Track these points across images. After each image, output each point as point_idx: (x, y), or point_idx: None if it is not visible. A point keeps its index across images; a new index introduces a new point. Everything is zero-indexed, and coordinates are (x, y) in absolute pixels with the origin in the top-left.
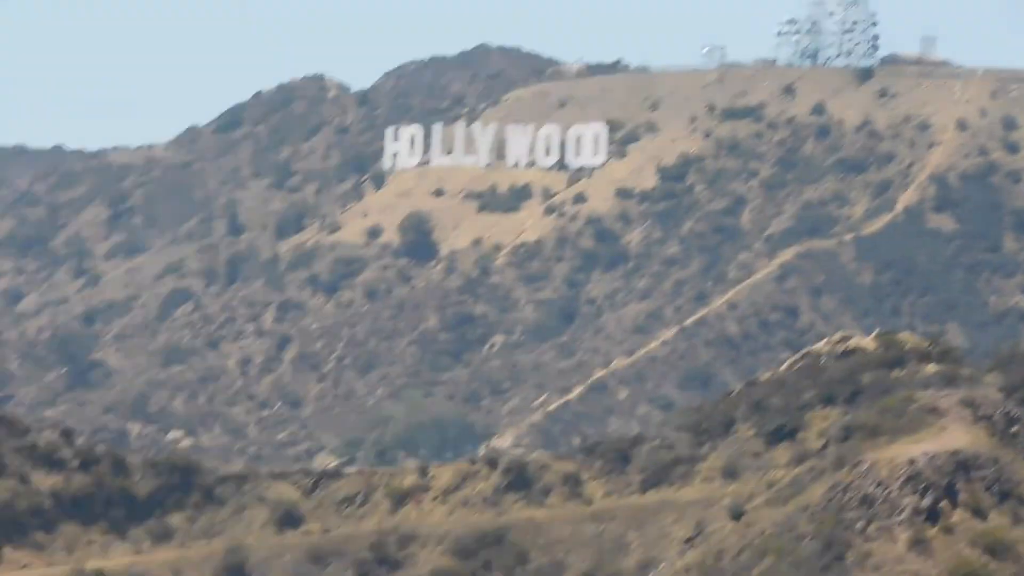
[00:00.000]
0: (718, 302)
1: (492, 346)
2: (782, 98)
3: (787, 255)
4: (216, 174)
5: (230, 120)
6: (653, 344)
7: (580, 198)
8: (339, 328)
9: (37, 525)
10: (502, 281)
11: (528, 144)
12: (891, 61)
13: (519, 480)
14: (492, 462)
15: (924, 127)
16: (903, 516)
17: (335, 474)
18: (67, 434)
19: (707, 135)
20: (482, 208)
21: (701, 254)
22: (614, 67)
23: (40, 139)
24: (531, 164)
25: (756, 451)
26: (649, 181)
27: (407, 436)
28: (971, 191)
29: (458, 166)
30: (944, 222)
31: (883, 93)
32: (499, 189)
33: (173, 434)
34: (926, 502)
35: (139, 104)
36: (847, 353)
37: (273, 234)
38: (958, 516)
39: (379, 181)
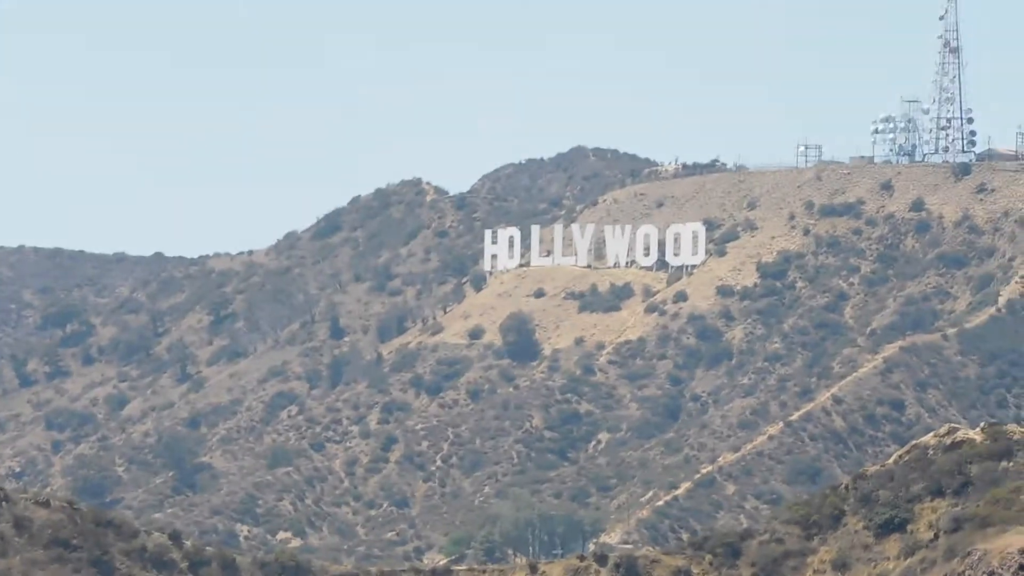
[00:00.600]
0: (823, 396)
1: (598, 443)
2: (880, 195)
3: (891, 349)
4: (316, 278)
5: (328, 225)
6: (759, 439)
7: (681, 296)
8: (444, 428)
9: None
10: (606, 379)
11: (627, 244)
12: (988, 156)
13: (630, 575)
14: (602, 558)
15: None
16: None
17: (445, 572)
18: (176, 537)
19: (806, 232)
20: (583, 308)
21: (804, 350)
22: (710, 167)
23: (141, 246)
24: (631, 263)
25: (866, 543)
26: (749, 278)
27: (515, 534)
28: None
29: (557, 267)
30: None
31: (981, 188)
32: (599, 288)
33: (281, 535)
34: None
35: (238, 210)
36: (955, 445)
37: (375, 336)
38: None
39: (479, 283)
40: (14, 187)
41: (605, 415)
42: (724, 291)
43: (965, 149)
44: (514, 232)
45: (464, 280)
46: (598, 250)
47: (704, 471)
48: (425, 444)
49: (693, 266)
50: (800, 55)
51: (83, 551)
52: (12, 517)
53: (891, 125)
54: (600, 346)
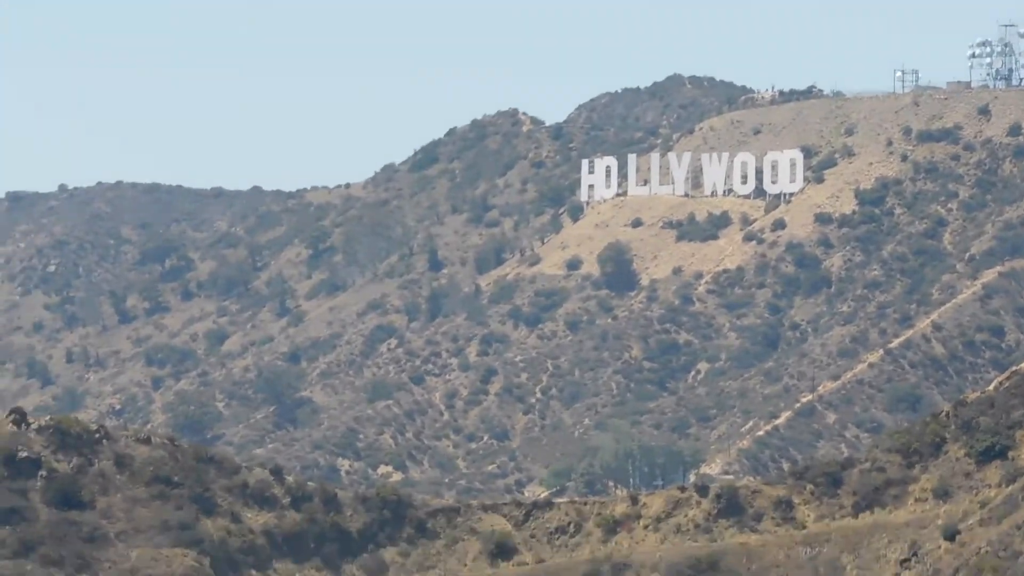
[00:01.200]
0: (923, 324)
1: (697, 373)
2: (978, 120)
3: (990, 275)
4: (413, 211)
5: (425, 157)
6: (859, 367)
7: (779, 224)
8: (543, 360)
9: (251, 563)
10: (704, 309)
11: (724, 172)
12: None
13: (731, 506)
14: (703, 489)
15: None
16: None
17: (546, 505)
18: (277, 472)
19: (904, 158)
20: (680, 237)
21: (903, 277)
22: (807, 93)
23: (238, 181)
24: (728, 192)
25: (967, 471)
26: (848, 206)
27: (615, 465)
28: None
29: (655, 196)
30: None
31: None
32: (697, 218)
33: (382, 469)
34: None
35: (335, 143)
36: None
37: (473, 269)
38: None
39: (576, 213)
40: (113, 123)
41: (704, 345)
42: (822, 218)
43: None
44: (611, 162)
45: (561, 211)
46: (695, 179)
47: (804, 400)
48: (524, 376)
49: (791, 194)
50: None
51: (184, 488)
52: (113, 455)
53: (987, 49)
54: (698, 275)
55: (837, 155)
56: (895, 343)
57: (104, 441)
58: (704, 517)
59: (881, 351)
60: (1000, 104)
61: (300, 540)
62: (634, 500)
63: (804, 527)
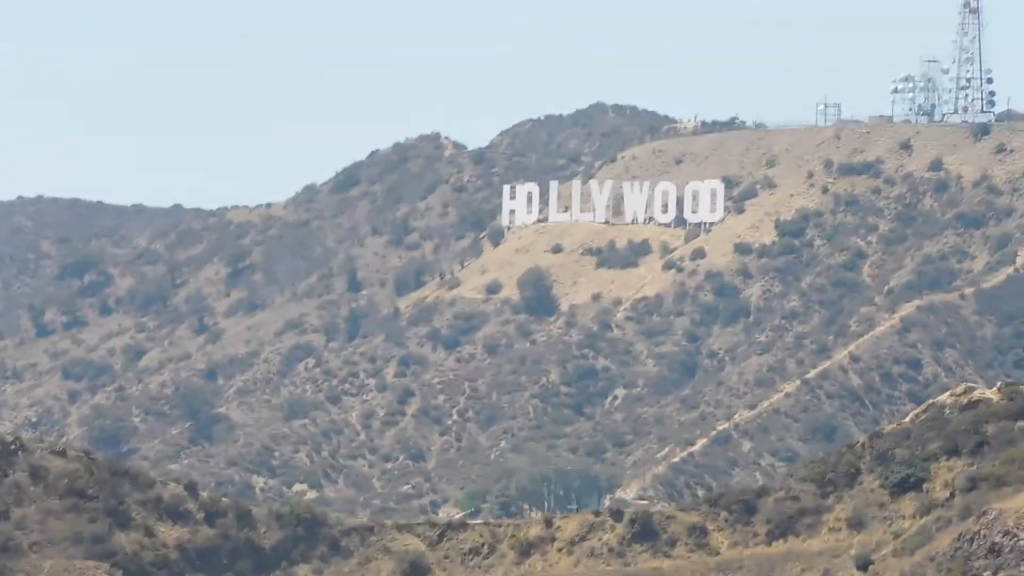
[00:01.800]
0: (840, 355)
1: (614, 399)
2: (899, 154)
3: (908, 308)
4: (334, 232)
5: (347, 179)
6: (776, 397)
7: (699, 253)
8: (460, 382)
9: None
10: (623, 335)
11: (645, 201)
12: (1007, 116)
13: (645, 531)
14: (617, 514)
15: None
16: None
17: (461, 526)
18: (192, 487)
19: (825, 190)
20: (600, 264)
21: (822, 308)
22: (729, 124)
23: (159, 198)
24: (649, 220)
25: (882, 502)
26: (768, 236)
27: (531, 488)
28: None
29: (576, 223)
30: None
31: (1000, 148)
32: (617, 245)
33: (297, 487)
34: None
35: (257, 163)
36: (971, 404)
37: (392, 290)
38: None
39: (497, 238)
40: (35, 137)
41: (622, 371)
42: (742, 248)
43: (984, 109)
44: (532, 188)
45: (482, 235)
46: (616, 206)
47: (720, 428)
48: (441, 398)
49: (711, 223)
50: (820, 13)
51: (99, 501)
52: (28, 467)
53: (911, 84)
54: (617, 302)
55: (758, 186)
56: (812, 373)
57: (19, 453)
58: (618, 541)
59: (798, 381)
60: (922, 139)
61: (213, 555)
62: (548, 523)
63: (717, 553)
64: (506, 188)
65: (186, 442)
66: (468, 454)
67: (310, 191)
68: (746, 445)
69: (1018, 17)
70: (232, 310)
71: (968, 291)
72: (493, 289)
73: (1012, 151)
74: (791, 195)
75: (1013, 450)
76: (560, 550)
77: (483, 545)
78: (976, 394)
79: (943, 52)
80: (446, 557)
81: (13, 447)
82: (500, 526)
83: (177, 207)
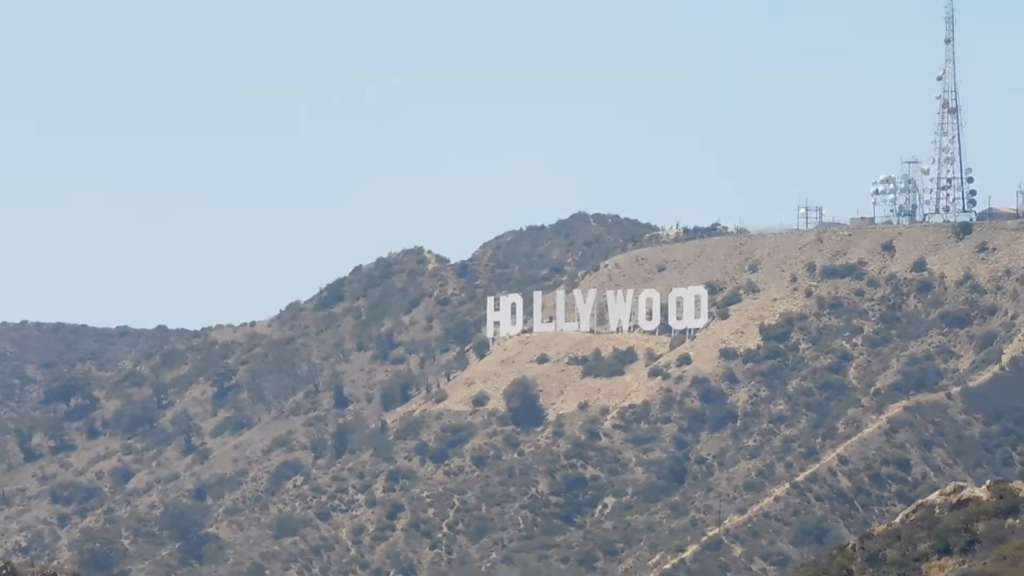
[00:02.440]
0: (829, 457)
1: (604, 507)
2: (882, 255)
3: (895, 409)
4: (319, 348)
5: (331, 295)
6: (766, 500)
7: (684, 360)
8: (450, 495)
9: None
10: (611, 444)
11: (629, 309)
12: (988, 215)
13: None
14: None
15: None
16: None
17: None
18: None
19: (808, 294)
20: (586, 373)
21: (809, 411)
22: (711, 230)
23: (143, 319)
24: (633, 328)
25: None
26: (752, 341)
27: None
28: None
29: (560, 332)
30: None
31: (982, 247)
32: (603, 354)
33: None
34: None
35: (240, 282)
36: (961, 503)
37: (379, 405)
38: None
39: (482, 350)
40: (16, 263)
41: (611, 479)
42: (727, 354)
43: (965, 208)
44: (516, 299)
45: (467, 347)
46: (600, 315)
47: (711, 533)
48: (431, 511)
49: (696, 329)
50: (799, 117)
51: None
52: None
53: (891, 186)
54: (604, 411)
55: (741, 291)
56: (801, 476)
57: None
58: None
59: (787, 484)
60: (904, 240)
61: None
62: None
63: None
64: (490, 300)
65: (176, 563)
66: (459, 567)
67: (294, 308)
68: (737, 550)
69: (997, 116)
70: (219, 429)
71: (955, 390)
72: (480, 401)
73: (995, 249)
74: (775, 299)
75: (1004, 547)
76: None
77: None
78: (965, 493)
79: (923, 152)
80: None
81: (4, 572)
82: None
83: (161, 328)
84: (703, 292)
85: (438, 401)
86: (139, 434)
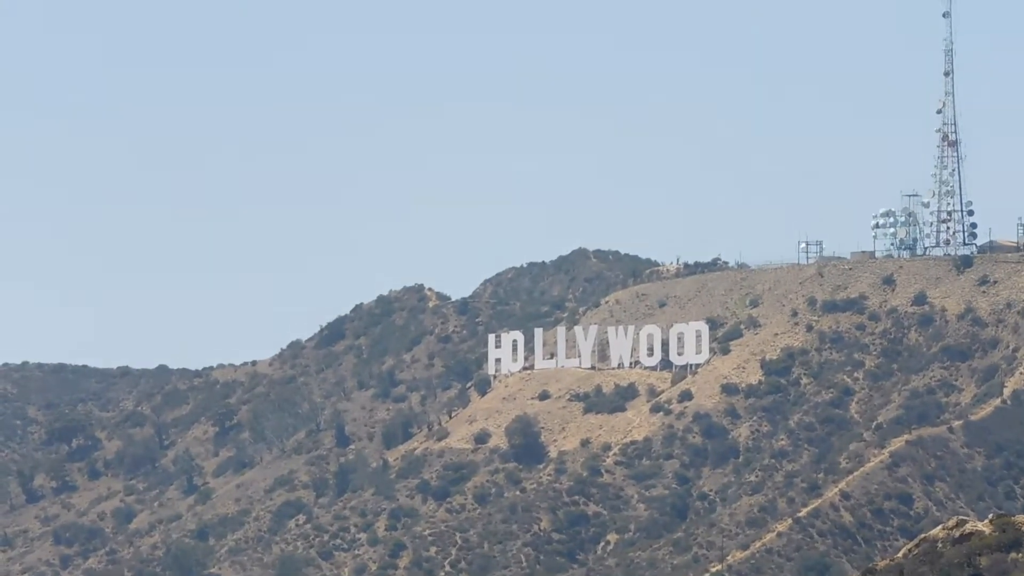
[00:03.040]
0: (831, 492)
1: (607, 544)
2: (882, 289)
3: (898, 443)
4: (320, 387)
5: (332, 333)
6: (768, 536)
7: (686, 395)
8: (452, 533)
9: None
10: (613, 480)
11: (630, 345)
12: (989, 248)
13: None
14: None
15: None
16: None
17: None
18: None
19: (809, 328)
20: (588, 409)
21: (811, 446)
22: (712, 265)
23: (144, 359)
24: (634, 364)
25: None
26: (754, 376)
27: None
28: None
29: (561, 369)
30: None
31: (983, 280)
32: (604, 390)
33: None
34: None
35: (241, 321)
36: (964, 537)
37: (380, 443)
38: None
39: (483, 387)
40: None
41: (613, 516)
42: (729, 389)
43: (966, 242)
44: (517, 336)
45: (468, 385)
46: (601, 351)
47: (714, 570)
48: (433, 550)
49: (697, 365)
50: (799, 151)
51: None
52: None
53: (891, 219)
54: (606, 447)
55: (742, 326)
56: (803, 512)
57: None
58: None
59: (790, 520)
60: (905, 274)
61: None
62: None
63: None
64: (491, 337)
65: None
66: None
67: (295, 347)
68: None
69: (997, 149)
70: (221, 469)
71: (956, 424)
72: (481, 438)
73: (995, 282)
74: (776, 334)
75: None
76: None
77: None
78: (968, 527)
79: (923, 186)
80: None
81: None
82: None
83: (162, 368)
84: (704, 327)
85: (440, 439)
86: (141, 474)
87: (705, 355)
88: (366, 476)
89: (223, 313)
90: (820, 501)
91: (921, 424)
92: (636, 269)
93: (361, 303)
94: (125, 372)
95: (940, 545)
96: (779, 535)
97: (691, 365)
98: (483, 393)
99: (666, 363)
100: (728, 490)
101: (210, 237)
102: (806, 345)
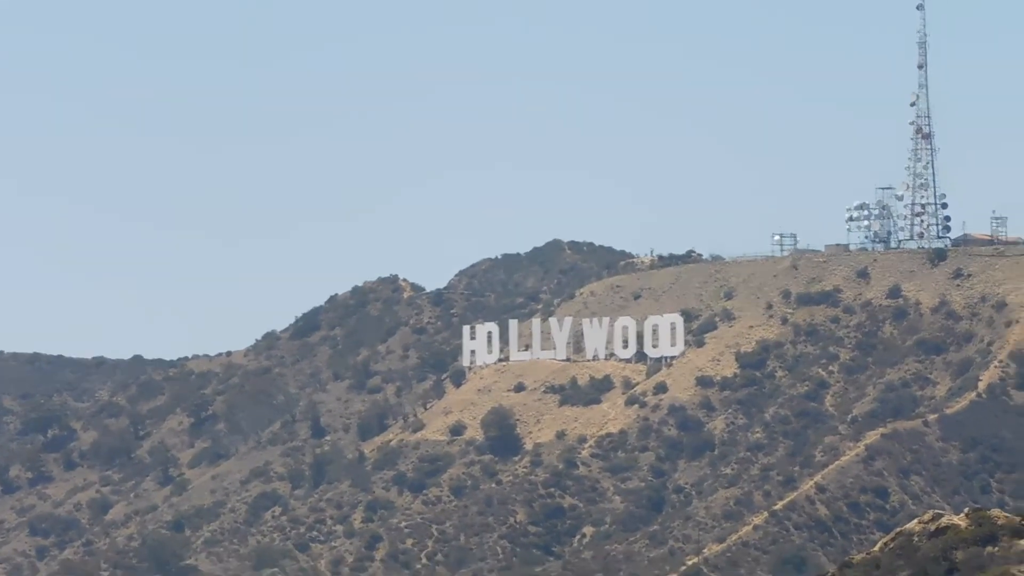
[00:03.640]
0: (807, 485)
1: (582, 537)
2: (857, 282)
3: (873, 436)
4: (296, 378)
5: (307, 324)
6: (744, 529)
7: (661, 388)
8: (428, 525)
9: None
10: (588, 473)
11: (605, 337)
12: (963, 241)
13: None
14: None
15: (1001, 305)
16: None
17: None
18: None
19: (784, 321)
20: (563, 401)
21: (786, 439)
22: (686, 258)
23: (119, 350)
24: (609, 356)
25: None
26: (729, 369)
27: None
28: None
29: (536, 361)
30: None
31: (957, 273)
32: (579, 382)
33: None
34: None
35: (216, 312)
36: (939, 531)
37: (356, 435)
38: None
39: (458, 379)
40: None
41: (589, 509)
42: (704, 381)
43: (940, 235)
44: (492, 327)
45: (443, 376)
46: (576, 343)
47: (690, 563)
48: (410, 542)
49: (672, 357)
50: (772, 143)
51: None
52: None
53: (865, 212)
54: (582, 439)
55: (717, 318)
56: (779, 505)
57: None
58: None
59: (765, 513)
60: (879, 267)
61: None
62: None
63: None
64: (466, 328)
65: None
66: None
67: (270, 338)
68: None
69: (971, 141)
70: (196, 460)
71: (932, 417)
72: (457, 430)
73: (970, 276)
74: (750, 326)
75: (983, 575)
76: None
77: None
78: (944, 520)
79: (897, 179)
80: None
81: None
82: None
83: (138, 358)
84: (679, 320)
85: (415, 431)
86: (117, 465)
87: (680, 347)
88: (342, 468)
89: (198, 304)
90: (796, 494)
91: (896, 417)
92: (611, 261)
93: (336, 294)
94: (100, 362)
95: (916, 539)
96: (755, 528)
97: (666, 357)
98: (458, 385)
99: (641, 355)
100: (704, 483)
101: (185, 228)
102: (781, 338)
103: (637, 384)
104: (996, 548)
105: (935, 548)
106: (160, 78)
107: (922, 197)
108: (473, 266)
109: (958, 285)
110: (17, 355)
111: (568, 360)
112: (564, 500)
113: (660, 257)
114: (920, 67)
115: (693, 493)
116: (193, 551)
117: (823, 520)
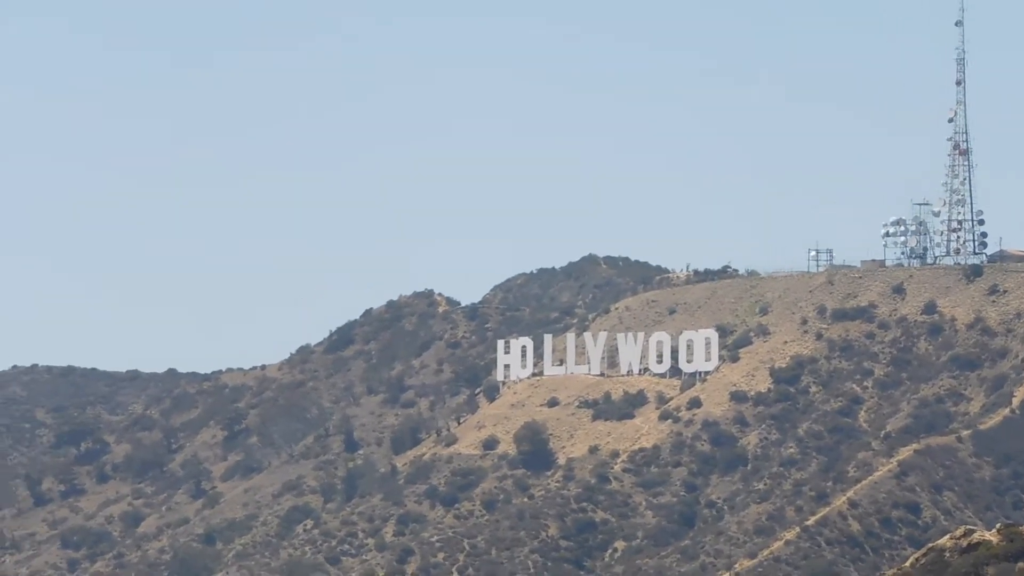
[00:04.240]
0: (839, 501)
1: (614, 552)
2: (892, 298)
3: (906, 452)
4: (329, 392)
5: (341, 338)
6: (776, 545)
7: (695, 403)
8: (459, 539)
9: None
10: (621, 487)
11: (639, 352)
12: (999, 257)
13: None
14: None
15: None
16: None
17: None
18: None
19: (819, 336)
20: (597, 416)
21: (819, 454)
22: (722, 273)
23: (153, 363)
24: (644, 371)
25: None
26: (763, 384)
27: None
28: None
29: (571, 376)
30: None
31: (993, 289)
32: (613, 397)
33: None
34: None
35: (250, 325)
36: (971, 547)
37: (389, 449)
38: None
39: (492, 393)
40: (27, 306)
41: (621, 523)
42: (738, 397)
43: (976, 251)
44: (526, 342)
45: (477, 391)
46: (611, 358)
47: None
48: (441, 556)
49: (706, 372)
50: (809, 158)
51: None
52: None
53: (902, 228)
54: (615, 454)
55: (752, 334)
56: (811, 520)
57: None
58: None
59: (798, 528)
60: (915, 282)
61: None
62: None
63: None
64: (500, 343)
65: None
66: None
67: (304, 352)
68: None
69: (1008, 158)
70: (229, 474)
71: (965, 433)
72: (490, 445)
73: (1005, 292)
74: (785, 342)
75: None
76: None
77: None
78: (975, 536)
79: (933, 194)
80: None
81: None
82: None
83: (172, 371)
84: (713, 335)
85: (448, 445)
86: (149, 478)
87: (714, 362)
88: (374, 481)
89: (233, 317)
90: (828, 509)
91: (929, 433)
92: (646, 276)
93: (371, 308)
94: (134, 376)
95: (948, 554)
96: (787, 543)
97: (700, 372)
98: (492, 399)
99: (675, 370)
100: (736, 498)
101: (220, 241)
102: (815, 353)
103: (671, 399)
104: None
105: (966, 564)
106: (186, 86)
107: (959, 213)
108: (508, 280)
109: (993, 301)
110: (51, 368)
111: (602, 375)
112: (596, 515)
113: (695, 272)
114: (958, 83)
115: (725, 508)
116: (224, 564)
117: (855, 536)
